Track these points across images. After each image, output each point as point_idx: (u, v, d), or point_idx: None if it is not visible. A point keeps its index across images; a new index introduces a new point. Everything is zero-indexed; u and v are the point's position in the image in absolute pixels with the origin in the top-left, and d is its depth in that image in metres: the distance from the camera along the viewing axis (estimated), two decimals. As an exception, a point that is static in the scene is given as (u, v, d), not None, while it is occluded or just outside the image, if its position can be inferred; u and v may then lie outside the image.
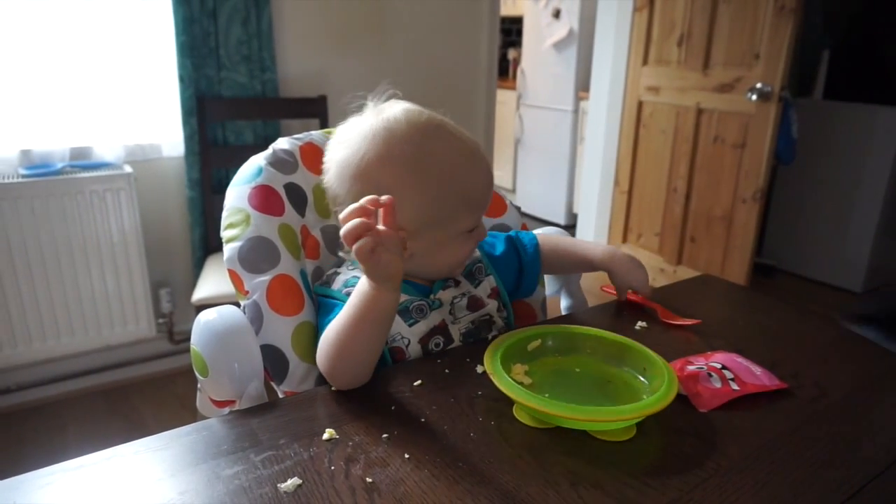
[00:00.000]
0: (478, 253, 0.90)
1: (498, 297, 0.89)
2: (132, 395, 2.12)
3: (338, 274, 0.83)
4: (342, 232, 0.62)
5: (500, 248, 0.93)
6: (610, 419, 0.62)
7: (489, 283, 0.89)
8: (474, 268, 0.89)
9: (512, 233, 0.97)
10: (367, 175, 0.74)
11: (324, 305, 0.81)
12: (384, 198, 0.63)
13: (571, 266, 1.00)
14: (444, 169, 0.75)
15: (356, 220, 0.61)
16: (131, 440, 0.62)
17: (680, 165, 2.88)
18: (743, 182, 2.60)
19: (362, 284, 0.67)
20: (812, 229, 3.23)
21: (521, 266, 0.93)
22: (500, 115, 3.61)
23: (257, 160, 0.87)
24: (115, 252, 1.97)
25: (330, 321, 0.74)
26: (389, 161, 0.74)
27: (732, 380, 0.72)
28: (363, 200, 0.63)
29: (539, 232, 1.01)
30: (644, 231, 3.17)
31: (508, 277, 0.92)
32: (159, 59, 2.03)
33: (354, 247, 0.62)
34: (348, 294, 0.77)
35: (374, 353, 0.71)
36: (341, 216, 0.63)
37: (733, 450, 0.62)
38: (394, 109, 0.78)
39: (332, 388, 0.72)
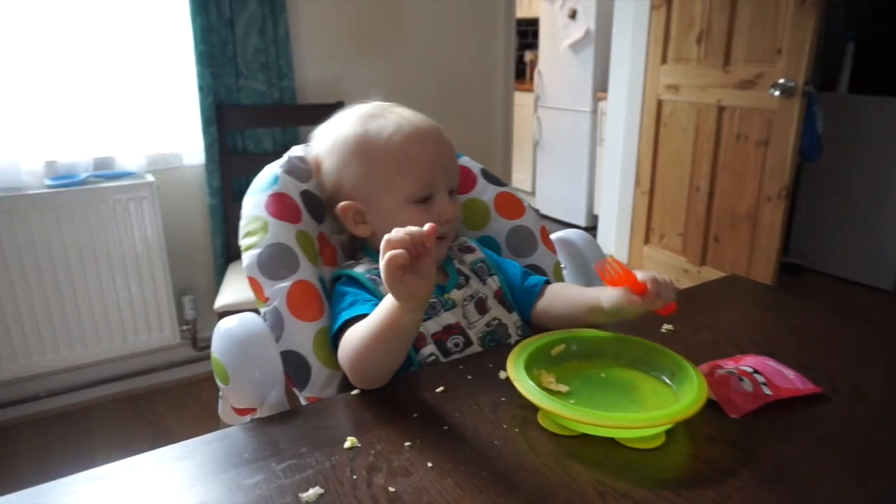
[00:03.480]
0: (481, 254, 0.91)
1: (503, 298, 0.88)
2: (157, 402, 2.14)
3: (359, 264, 0.84)
4: (385, 239, 0.62)
5: (510, 267, 0.92)
6: (639, 426, 0.60)
7: (494, 282, 0.88)
8: (477, 266, 0.89)
9: (526, 270, 0.93)
10: (329, 158, 0.85)
11: (338, 295, 0.80)
12: (427, 226, 0.63)
13: (576, 304, 0.83)
14: (380, 139, 0.82)
15: (401, 236, 0.62)
16: (157, 446, 0.62)
17: (702, 164, 2.83)
18: (768, 180, 2.55)
19: (387, 299, 0.67)
20: (840, 226, 3.15)
21: (513, 294, 0.90)
22: (518, 117, 3.59)
23: (273, 168, 0.88)
24: (139, 260, 1.99)
25: (343, 309, 0.76)
26: (338, 143, 0.85)
27: (765, 384, 0.70)
28: (412, 230, 0.62)
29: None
30: (667, 232, 3.12)
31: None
32: (178, 68, 2.05)
33: (386, 257, 0.61)
34: (372, 280, 0.79)
35: (392, 364, 0.72)
36: (388, 237, 0.63)
37: (768, 457, 0.59)
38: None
39: (354, 394, 0.71)
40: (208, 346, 2.39)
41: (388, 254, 0.61)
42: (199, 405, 2.13)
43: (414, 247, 0.62)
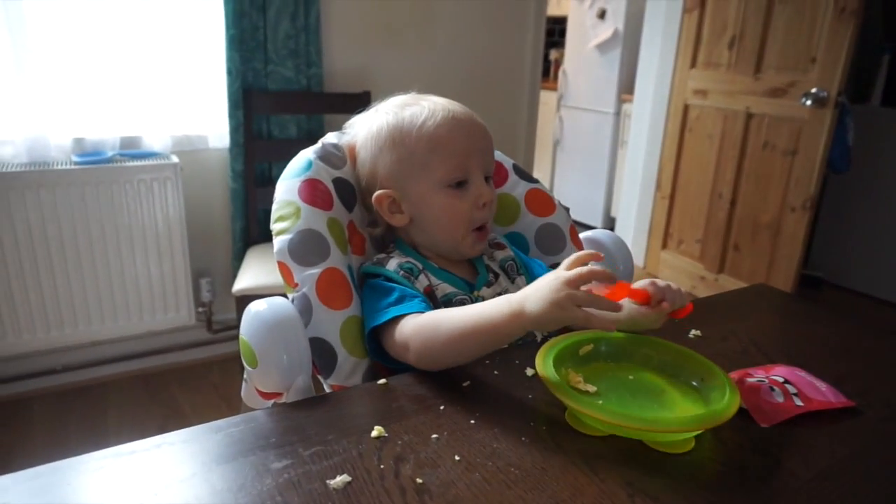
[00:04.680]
0: (510, 252, 0.90)
1: None
2: (170, 382, 2.16)
3: (390, 258, 0.83)
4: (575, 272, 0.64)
5: (537, 268, 0.92)
6: (672, 430, 0.59)
7: (522, 282, 0.88)
8: (507, 264, 0.89)
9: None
10: (364, 149, 0.86)
11: (375, 287, 0.80)
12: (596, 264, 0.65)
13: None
14: (413, 125, 0.82)
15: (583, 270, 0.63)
16: (169, 427, 0.62)
17: (726, 171, 2.80)
18: (793, 190, 2.52)
19: (507, 306, 0.66)
20: (864, 241, 3.11)
21: None
22: (540, 115, 3.57)
23: (307, 154, 0.87)
24: (160, 240, 2.01)
25: (391, 304, 0.75)
26: (372, 134, 0.85)
27: (796, 395, 0.69)
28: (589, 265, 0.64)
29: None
30: (685, 237, 3.10)
31: None
32: (208, 51, 2.06)
33: (573, 302, 0.62)
34: (405, 276, 0.79)
35: (475, 357, 0.72)
36: (576, 269, 0.64)
37: (800, 469, 0.59)
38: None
39: (380, 383, 0.71)
40: (223, 329, 2.41)
41: (575, 293, 0.62)
42: (211, 387, 2.14)
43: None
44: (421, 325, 0.71)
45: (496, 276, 0.87)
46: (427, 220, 0.83)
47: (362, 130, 0.88)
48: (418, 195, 0.82)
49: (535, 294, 0.64)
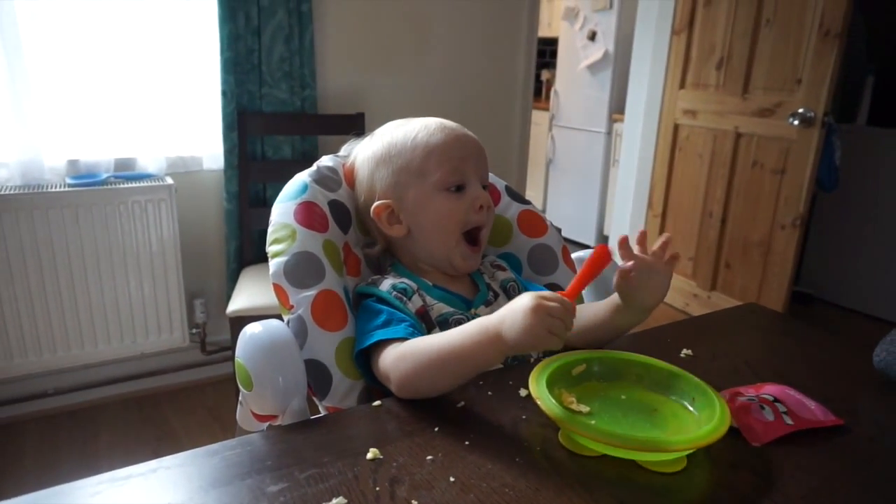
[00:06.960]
0: (511, 274, 0.91)
1: None
2: (163, 404, 2.14)
3: (384, 279, 0.84)
4: (542, 306, 0.64)
5: (535, 287, 0.93)
6: (666, 449, 0.60)
7: None
8: (508, 285, 0.90)
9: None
10: (362, 169, 0.89)
11: (365, 309, 0.81)
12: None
13: (598, 314, 0.88)
14: (407, 139, 0.85)
15: (559, 309, 0.65)
16: (162, 450, 0.63)
17: (716, 190, 2.83)
18: (782, 208, 2.55)
19: (484, 334, 0.67)
20: (853, 258, 3.14)
21: None
22: (533, 135, 3.61)
23: (302, 177, 0.88)
24: (154, 262, 2.01)
25: (377, 327, 0.75)
26: (368, 156, 0.89)
27: (786, 413, 0.70)
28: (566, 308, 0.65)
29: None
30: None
31: None
32: (203, 74, 2.08)
33: (546, 323, 0.64)
34: (398, 297, 0.79)
35: (455, 385, 0.72)
36: (548, 307, 0.64)
37: (790, 487, 0.59)
38: None
39: (375, 405, 0.71)
40: (217, 351, 2.40)
41: (551, 322, 0.63)
42: (205, 410, 2.13)
43: (564, 319, 0.64)
44: (400, 355, 0.72)
45: (496, 295, 0.88)
46: (423, 226, 0.85)
47: (360, 153, 0.91)
48: (415, 202, 0.84)
49: (511, 319, 0.65)
